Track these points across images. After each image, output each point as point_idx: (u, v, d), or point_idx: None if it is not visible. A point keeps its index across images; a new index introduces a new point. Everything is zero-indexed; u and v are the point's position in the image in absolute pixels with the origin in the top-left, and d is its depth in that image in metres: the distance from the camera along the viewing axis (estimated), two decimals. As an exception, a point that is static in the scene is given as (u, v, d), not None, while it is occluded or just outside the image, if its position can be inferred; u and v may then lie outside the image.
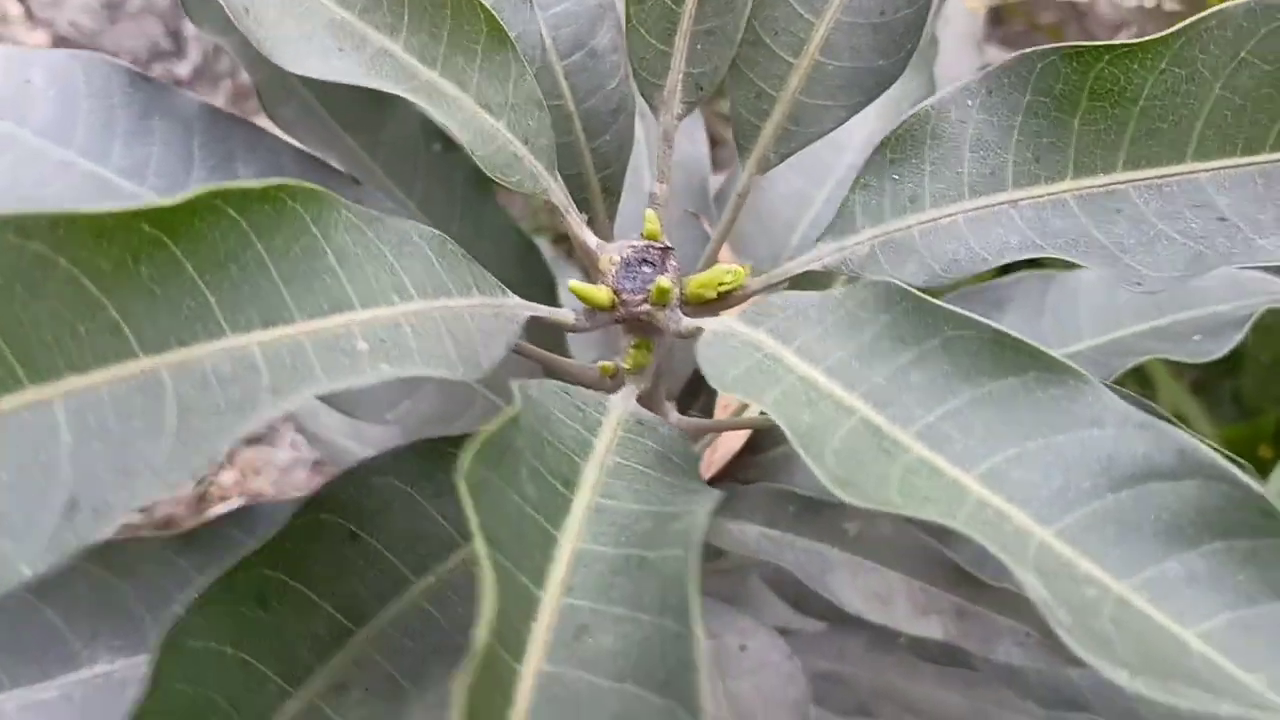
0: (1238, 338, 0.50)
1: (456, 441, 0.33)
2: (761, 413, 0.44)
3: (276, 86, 0.47)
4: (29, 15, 1.24)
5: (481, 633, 0.22)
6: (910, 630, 0.49)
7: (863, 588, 0.49)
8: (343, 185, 0.47)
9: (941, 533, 0.51)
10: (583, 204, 0.42)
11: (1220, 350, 0.49)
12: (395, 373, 0.28)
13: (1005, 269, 0.52)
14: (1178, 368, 1.23)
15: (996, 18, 1.32)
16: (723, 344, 0.32)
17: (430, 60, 0.33)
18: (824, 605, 0.53)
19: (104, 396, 0.25)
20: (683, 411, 0.56)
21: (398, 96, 0.49)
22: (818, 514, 0.50)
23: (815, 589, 0.49)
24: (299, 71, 0.32)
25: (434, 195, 0.53)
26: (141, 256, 0.26)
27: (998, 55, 1.25)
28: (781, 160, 0.38)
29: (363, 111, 0.49)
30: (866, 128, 0.57)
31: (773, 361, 0.30)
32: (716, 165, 0.57)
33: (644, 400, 0.41)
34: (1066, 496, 0.26)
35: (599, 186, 0.42)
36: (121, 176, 0.45)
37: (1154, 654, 0.23)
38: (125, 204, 0.25)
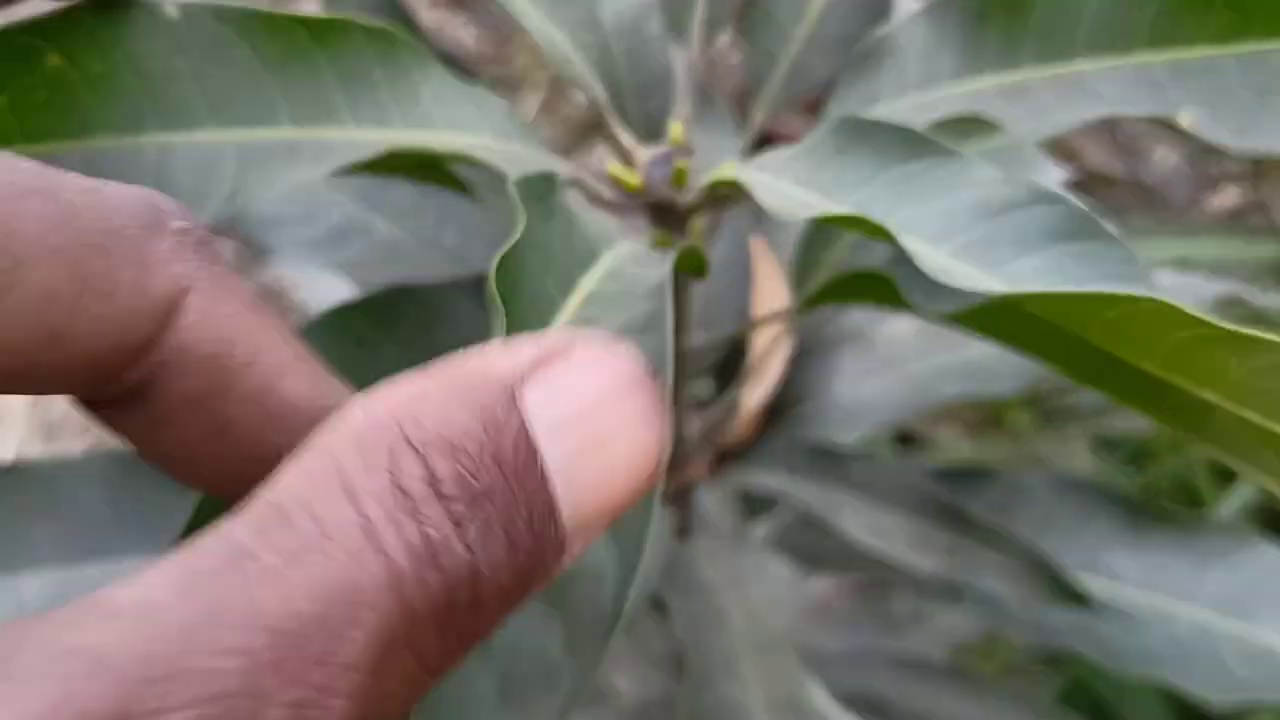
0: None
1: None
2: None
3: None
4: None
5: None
6: (906, 561, 0.55)
7: (866, 524, 0.56)
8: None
9: (944, 478, 0.58)
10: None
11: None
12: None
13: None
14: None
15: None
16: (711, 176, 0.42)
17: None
18: (833, 552, 0.61)
19: (261, 145, 0.36)
20: (720, 389, 0.65)
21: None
22: (828, 461, 0.57)
23: (825, 523, 0.56)
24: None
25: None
26: (296, 55, 0.37)
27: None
28: (785, 106, 0.49)
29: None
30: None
31: (747, 181, 0.40)
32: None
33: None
34: (950, 230, 0.34)
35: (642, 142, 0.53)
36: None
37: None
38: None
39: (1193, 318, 0.28)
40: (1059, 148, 1.33)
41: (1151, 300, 0.28)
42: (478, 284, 0.44)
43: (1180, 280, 0.63)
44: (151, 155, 0.35)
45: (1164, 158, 1.47)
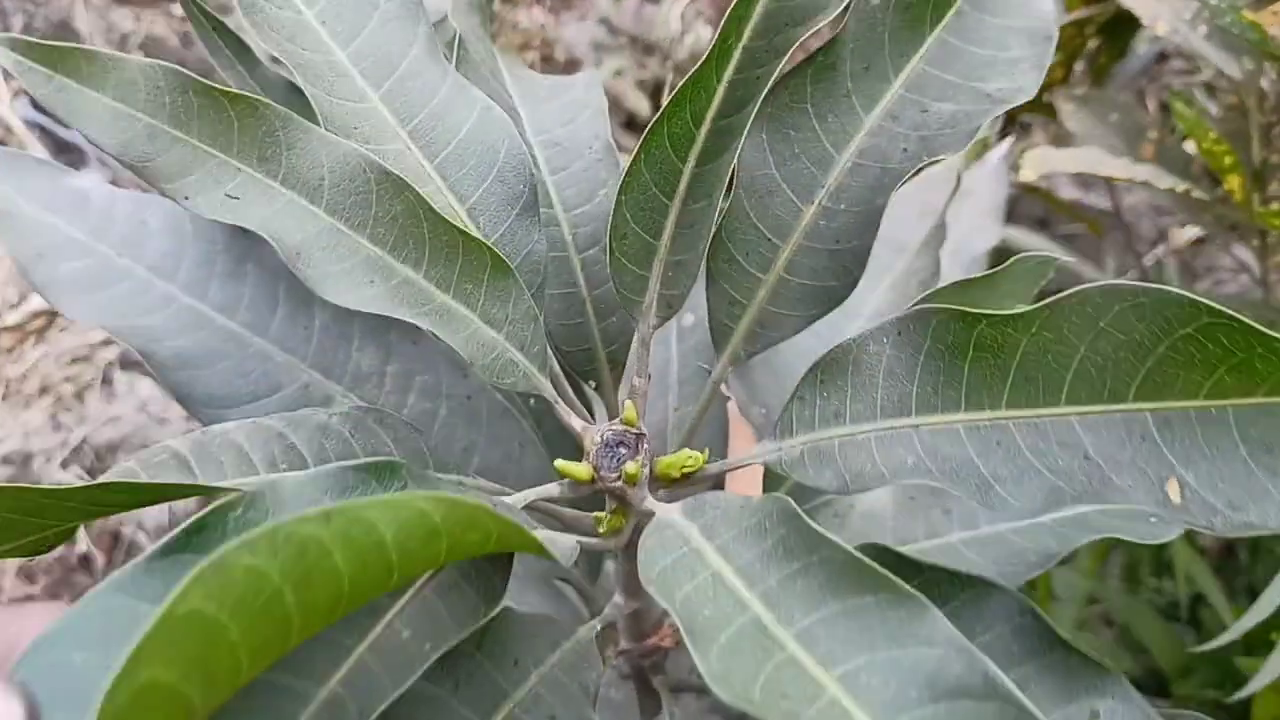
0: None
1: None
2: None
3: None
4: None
5: None
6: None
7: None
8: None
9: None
10: (590, 373, 0.50)
11: (1169, 535, 0.54)
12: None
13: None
14: (1200, 547, 1.24)
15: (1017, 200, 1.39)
16: (660, 535, 0.38)
17: (445, 286, 0.41)
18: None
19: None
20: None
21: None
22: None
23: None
24: (338, 302, 0.40)
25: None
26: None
27: (1016, 235, 1.30)
28: (750, 357, 0.45)
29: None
30: (876, 299, 0.64)
31: (695, 556, 0.37)
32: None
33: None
34: (899, 702, 0.32)
35: (605, 358, 0.49)
36: (215, 311, 0.53)
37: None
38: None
39: None
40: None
41: None
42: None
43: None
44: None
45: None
